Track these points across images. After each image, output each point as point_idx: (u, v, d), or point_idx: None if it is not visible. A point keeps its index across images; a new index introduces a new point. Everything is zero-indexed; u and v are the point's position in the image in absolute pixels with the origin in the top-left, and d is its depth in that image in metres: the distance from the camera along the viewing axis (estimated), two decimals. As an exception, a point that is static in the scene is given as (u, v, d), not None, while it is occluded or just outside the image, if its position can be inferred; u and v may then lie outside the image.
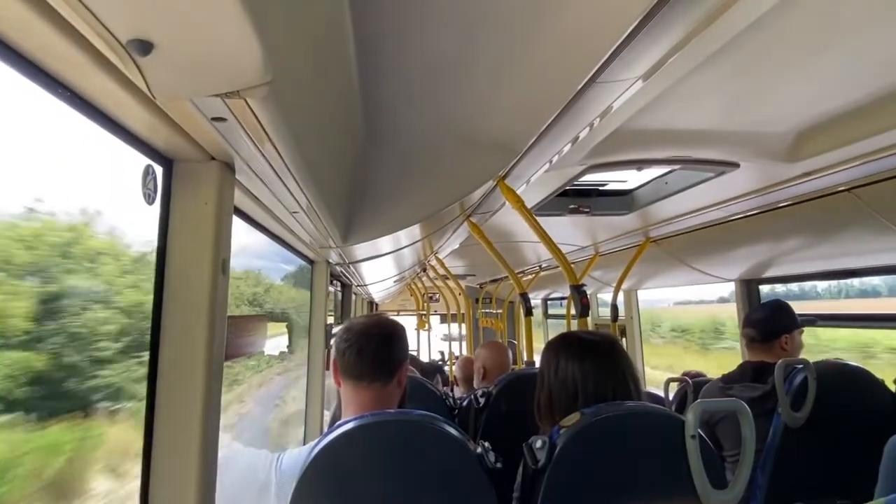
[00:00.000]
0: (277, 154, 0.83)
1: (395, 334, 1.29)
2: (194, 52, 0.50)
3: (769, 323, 2.00)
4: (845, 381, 1.81)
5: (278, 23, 0.55)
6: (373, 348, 1.23)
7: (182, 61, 0.51)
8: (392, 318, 1.37)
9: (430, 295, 7.77)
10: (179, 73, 0.54)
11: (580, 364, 1.23)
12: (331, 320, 3.09)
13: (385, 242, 1.94)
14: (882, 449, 1.29)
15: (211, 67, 0.53)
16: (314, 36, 0.74)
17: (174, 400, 0.92)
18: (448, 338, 7.75)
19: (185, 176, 0.95)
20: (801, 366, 1.77)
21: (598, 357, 1.24)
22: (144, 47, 0.48)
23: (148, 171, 0.88)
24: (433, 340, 8.54)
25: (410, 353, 1.85)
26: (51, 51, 0.57)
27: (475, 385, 2.46)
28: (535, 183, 1.79)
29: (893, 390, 1.80)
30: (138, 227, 0.98)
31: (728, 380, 2.00)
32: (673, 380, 2.73)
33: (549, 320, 7.44)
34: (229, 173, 0.99)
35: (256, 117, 0.68)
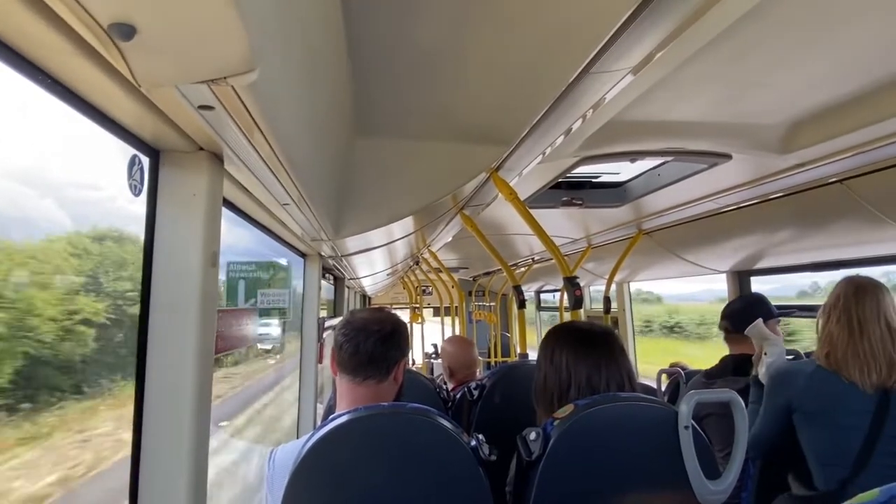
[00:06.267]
0: (267, 143, 0.82)
1: (394, 332, 1.27)
2: (178, 36, 0.48)
3: (741, 314, 2.02)
4: None
5: (265, 8, 0.53)
6: (369, 346, 1.22)
7: (166, 46, 0.50)
8: (393, 313, 1.34)
9: (423, 288, 7.76)
10: (163, 59, 0.52)
11: (573, 354, 1.24)
12: (324, 314, 3.08)
13: (377, 235, 1.93)
14: None
15: (196, 53, 0.51)
16: (303, 23, 0.73)
17: (163, 395, 0.91)
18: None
19: (173, 166, 0.93)
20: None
21: (591, 348, 1.24)
22: (127, 32, 0.47)
23: (134, 162, 0.86)
24: (427, 333, 8.52)
25: None
26: (30, 36, 0.56)
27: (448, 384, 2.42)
28: (527, 175, 1.78)
29: None
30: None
31: (710, 374, 2.03)
32: (665, 371, 2.75)
33: (542, 313, 7.46)
34: (218, 164, 0.98)
35: (245, 105, 0.67)
